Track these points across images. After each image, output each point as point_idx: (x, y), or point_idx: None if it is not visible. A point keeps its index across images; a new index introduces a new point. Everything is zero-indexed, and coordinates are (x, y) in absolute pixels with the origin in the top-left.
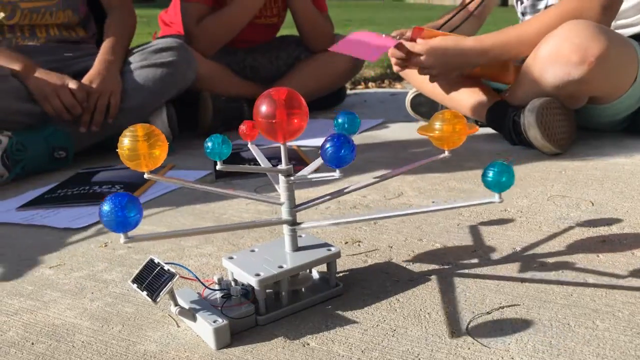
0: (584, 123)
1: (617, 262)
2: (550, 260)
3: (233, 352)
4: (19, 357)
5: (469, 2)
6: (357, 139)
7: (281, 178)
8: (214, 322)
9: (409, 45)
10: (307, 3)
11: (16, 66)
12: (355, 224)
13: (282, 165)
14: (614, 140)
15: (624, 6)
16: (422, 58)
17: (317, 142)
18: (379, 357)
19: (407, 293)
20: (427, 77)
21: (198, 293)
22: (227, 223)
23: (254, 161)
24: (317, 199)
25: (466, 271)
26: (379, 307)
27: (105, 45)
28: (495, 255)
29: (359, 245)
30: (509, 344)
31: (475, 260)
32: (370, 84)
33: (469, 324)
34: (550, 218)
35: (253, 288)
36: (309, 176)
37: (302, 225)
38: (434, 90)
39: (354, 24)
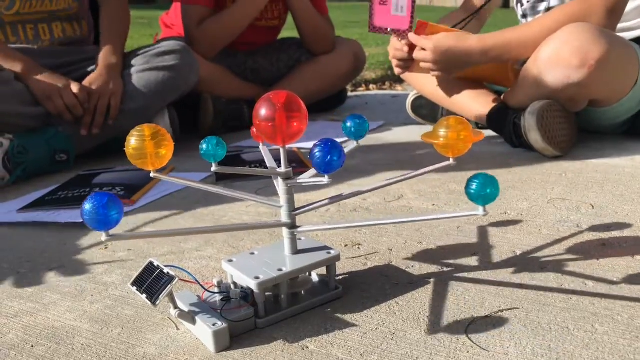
0: (584, 126)
1: (617, 265)
2: (550, 263)
3: (232, 355)
4: None
5: (480, 8)
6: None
7: (280, 181)
8: (214, 325)
9: (413, 38)
10: (307, 5)
11: (17, 67)
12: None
13: (282, 168)
14: (614, 143)
15: None
16: (425, 53)
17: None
18: None
19: (407, 296)
20: (428, 79)
21: (197, 296)
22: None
23: (254, 163)
24: (317, 202)
25: (465, 274)
26: (379, 310)
27: (105, 46)
28: (494, 259)
29: (358, 248)
30: (508, 347)
31: (474, 264)
32: (371, 86)
33: (468, 327)
34: (551, 221)
35: (252, 291)
36: (298, 181)
37: (300, 229)
38: (435, 93)
39: (356, 25)
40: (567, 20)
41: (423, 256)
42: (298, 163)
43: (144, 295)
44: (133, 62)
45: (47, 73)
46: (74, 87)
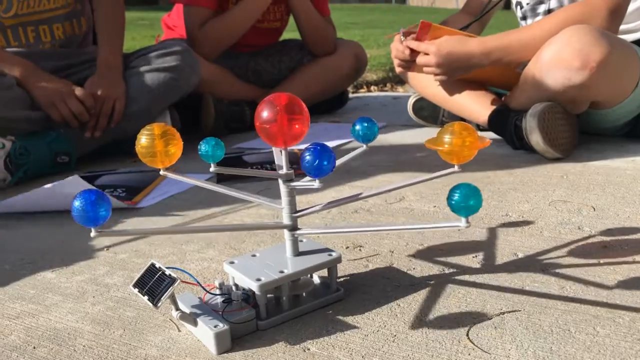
0: (585, 128)
1: (618, 267)
2: (551, 265)
3: (234, 356)
4: None
5: (485, 13)
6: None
7: (281, 183)
8: (215, 326)
9: (414, 44)
10: (309, 7)
11: (16, 71)
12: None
13: (283, 170)
14: (615, 145)
15: None
16: (428, 57)
17: None
18: None
19: (408, 298)
20: (429, 81)
21: (199, 297)
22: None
23: (256, 165)
24: (316, 205)
25: (467, 276)
26: (380, 312)
27: (105, 47)
28: (496, 261)
29: (360, 250)
30: (509, 350)
31: (476, 266)
32: (372, 87)
33: (469, 329)
34: (552, 223)
35: (254, 293)
36: (292, 184)
37: (299, 232)
38: (436, 95)
39: (357, 27)
40: (569, 22)
41: (424, 258)
42: (299, 165)
43: (146, 297)
44: (135, 63)
45: (48, 77)
46: (79, 93)
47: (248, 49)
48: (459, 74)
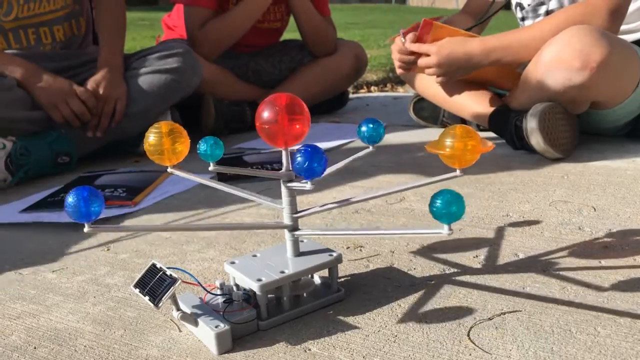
0: (586, 128)
1: (619, 268)
2: (552, 266)
3: (234, 357)
4: None
5: (488, 17)
6: (359, 142)
7: (282, 183)
8: (216, 327)
9: (415, 47)
10: (309, 7)
11: (17, 72)
12: (357, 228)
13: (283, 170)
14: (616, 145)
15: None
16: (429, 58)
17: (320, 146)
18: None
19: (409, 298)
20: (430, 82)
21: (200, 298)
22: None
23: (256, 165)
24: (315, 207)
25: (468, 277)
26: (381, 312)
27: (106, 47)
28: (497, 261)
29: (360, 250)
30: (510, 350)
31: (477, 266)
32: (372, 87)
33: (470, 329)
34: (552, 223)
35: (255, 293)
36: (288, 185)
37: (298, 232)
38: (436, 95)
39: (357, 27)
40: (570, 23)
41: (425, 258)
42: None
43: (147, 297)
44: (135, 64)
45: (48, 76)
46: (81, 92)
47: (248, 49)
48: (459, 74)
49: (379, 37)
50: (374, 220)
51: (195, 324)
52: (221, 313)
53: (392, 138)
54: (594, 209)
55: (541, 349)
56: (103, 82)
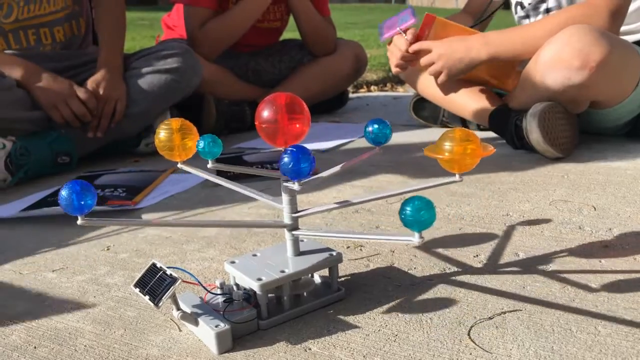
0: (586, 127)
1: (619, 267)
2: (552, 265)
3: (235, 356)
4: None
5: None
6: (359, 142)
7: (281, 182)
8: (216, 326)
9: (416, 46)
10: (309, 7)
11: (17, 72)
12: (357, 228)
13: None
14: (616, 144)
15: None
16: (430, 55)
17: (319, 145)
18: None
19: (409, 298)
20: (429, 81)
21: (200, 297)
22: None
23: (256, 164)
24: (315, 207)
25: (468, 276)
26: (381, 311)
27: (106, 47)
28: (497, 260)
29: (360, 249)
30: (510, 349)
31: (477, 265)
32: (372, 87)
33: (470, 329)
34: (553, 223)
35: (255, 292)
36: (285, 184)
37: (297, 232)
38: (436, 95)
39: (357, 27)
40: (571, 22)
41: (425, 258)
42: None
43: (147, 297)
44: (135, 64)
45: (48, 76)
46: (81, 93)
47: (248, 48)
48: (459, 72)
49: (379, 37)
50: (374, 219)
51: (196, 323)
52: (221, 312)
53: (392, 138)
54: (594, 209)
55: (542, 348)
56: (103, 83)
